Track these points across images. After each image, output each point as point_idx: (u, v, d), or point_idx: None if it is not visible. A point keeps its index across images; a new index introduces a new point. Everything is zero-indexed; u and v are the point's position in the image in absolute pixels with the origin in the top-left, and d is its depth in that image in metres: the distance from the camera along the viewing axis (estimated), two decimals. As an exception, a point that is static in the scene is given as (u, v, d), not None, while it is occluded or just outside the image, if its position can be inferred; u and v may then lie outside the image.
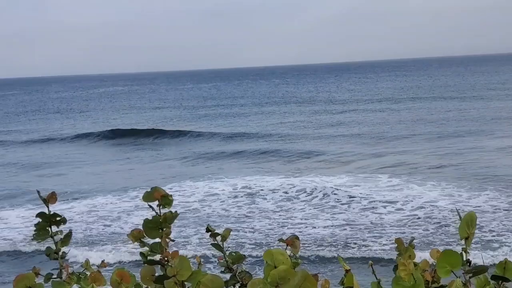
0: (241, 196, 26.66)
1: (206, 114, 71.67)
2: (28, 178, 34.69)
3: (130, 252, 18.92)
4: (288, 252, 2.32)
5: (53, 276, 2.47)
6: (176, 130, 53.18)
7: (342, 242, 19.69)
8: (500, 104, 62.28)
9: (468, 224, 2.11)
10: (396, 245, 2.43)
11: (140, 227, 2.41)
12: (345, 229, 21.10)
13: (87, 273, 2.46)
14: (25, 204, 26.85)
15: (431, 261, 2.33)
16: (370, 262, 2.36)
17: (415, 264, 2.38)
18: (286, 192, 26.75)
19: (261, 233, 21.16)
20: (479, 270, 2.17)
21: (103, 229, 22.74)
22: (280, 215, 23.41)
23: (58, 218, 2.52)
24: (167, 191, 2.39)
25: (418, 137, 42.78)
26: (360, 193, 26.00)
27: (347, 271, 2.39)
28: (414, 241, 2.51)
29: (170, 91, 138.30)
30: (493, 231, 19.78)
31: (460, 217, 2.12)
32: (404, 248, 2.43)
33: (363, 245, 19.21)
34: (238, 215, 23.80)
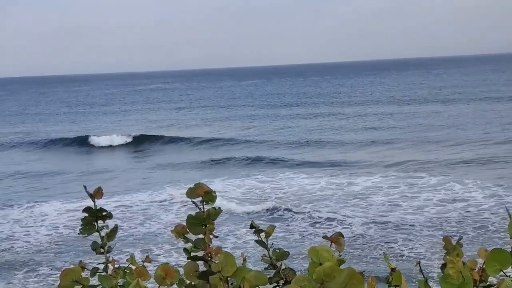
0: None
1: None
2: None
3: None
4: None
5: (99, 270, 2.49)
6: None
7: (383, 242, 19.54)
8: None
9: (518, 222, 2.06)
10: (444, 243, 2.39)
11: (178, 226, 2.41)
12: (387, 228, 20.94)
13: (132, 267, 2.48)
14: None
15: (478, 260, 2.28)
16: (417, 260, 2.33)
17: (463, 263, 2.34)
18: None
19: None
20: (529, 269, 2.12)
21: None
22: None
23: (104, 213, 2.54)
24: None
25: (461, 137, 42.22)
26: (402, 192, 25.81)
27: (393, 269, 2.35)
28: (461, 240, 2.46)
29: (209, 88, 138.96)
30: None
31: (510, 215, 2.08)
32: (452, 246, 2.39)
33: (402, 245, 19.04)
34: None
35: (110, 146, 47.58)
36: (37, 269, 18.63)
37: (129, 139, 48.71)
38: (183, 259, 2.37)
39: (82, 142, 49.12)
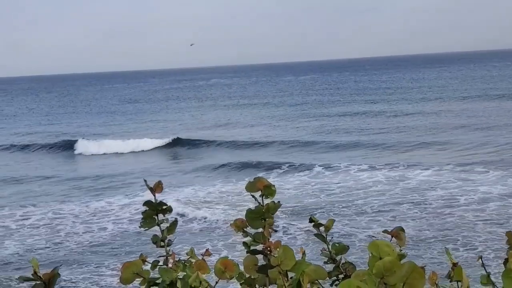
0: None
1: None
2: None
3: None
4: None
5: (160, 264, 2.52)
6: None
7: (441, 238, 19.25)
8: None
9: None
10: (507, 238, 2.34)
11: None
12: (447, 224, 20.62)
13: (192, 261, 2.50)
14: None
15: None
16: (479, 255, 2.29)
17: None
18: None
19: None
20: None
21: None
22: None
23: (164, 207, 2.57)
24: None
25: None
26: (460, 187, 25.40)
27: (454, 264, 2.32)
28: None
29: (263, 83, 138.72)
30: None
31: None
32: (516, 241, 2.34)
33: (463, 241, 18.72)
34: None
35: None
36: (101, 263, 19.00)
37: (164, 142, 46.56)
38: (240, 253, 2.38)
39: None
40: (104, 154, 44.31)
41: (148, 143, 46.27)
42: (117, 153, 44.39)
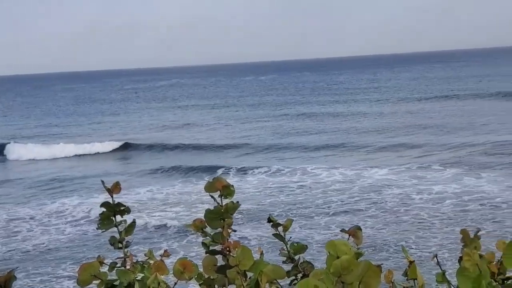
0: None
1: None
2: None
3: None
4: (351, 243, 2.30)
5: (117, 265, 2.51)
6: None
7: (398, 236, 19.48)
8: None
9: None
10: (462, 236, 2.38)
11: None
12: (402, 222, 20.87)
13: (150, 262, 2.49)
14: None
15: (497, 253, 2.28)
16: (434, 253, 2.32)
17: (480, 256, 2.33)
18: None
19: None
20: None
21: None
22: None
23: (122, 208, 2.55)
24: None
25: (476, 130, 41.97)
26: (415, 186, 25.74)
27: (410, 262, 2.35)
28: (479, 233, 2.45)
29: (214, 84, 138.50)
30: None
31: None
32: (470, 239, 2.38)
33: (419, 239, 18.97)
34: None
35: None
36: (58, 265, 18.78)
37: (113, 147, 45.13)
38: (195, 254, 2.38)
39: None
40: (54, 158, 42.96)
41: (100, 147, 45.18)
42: (68, 156, 43.52)
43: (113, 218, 2.56)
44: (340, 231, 2.46)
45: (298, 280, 2.42)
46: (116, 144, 45.53)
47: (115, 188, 2.52)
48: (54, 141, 49.72)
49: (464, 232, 2.38)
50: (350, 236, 2.40)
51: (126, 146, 45.13)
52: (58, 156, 43.44)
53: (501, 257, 2.15)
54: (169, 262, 2.36)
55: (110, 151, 44.21)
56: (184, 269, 2.25)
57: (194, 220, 2.43)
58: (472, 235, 2.40)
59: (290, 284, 2.45)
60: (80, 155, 43.60)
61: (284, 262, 2.46)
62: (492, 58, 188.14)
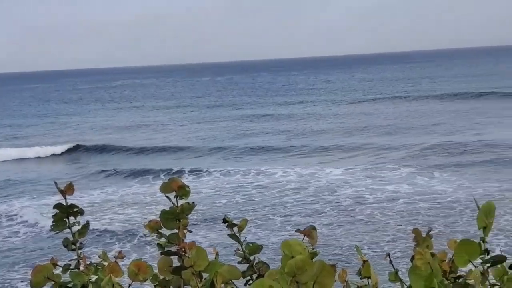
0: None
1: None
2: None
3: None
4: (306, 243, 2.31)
5: (71, 267, 2.48)
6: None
7: (354, 235, 19.67)
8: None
9: (486, 214, 2.09)
10: (414, 235, 2.42)
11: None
12: (356, 222, 21.07)
13: (104, 264, 2.47)
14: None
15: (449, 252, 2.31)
16: (387, 252, 2.35)
17: (433, 255, 2.37)
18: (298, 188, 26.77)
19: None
20: (497, 259, 2.15)
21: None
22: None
23: (75, 209, 2.53)
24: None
25: (428, 130, 42.61)
26: (369, 185, 26.01)
27: (364, 261, 2.38)
28: (431, 232, 2.49)
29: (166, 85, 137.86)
30: (511, 220, 19.70)
31: (478, 207, 2.10)
32: (422, 238, 2.41)
33: (374, 237, 19.18)
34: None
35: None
36: (12, 266, 18.49)
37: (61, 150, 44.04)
38: (149, 256, 2.37)
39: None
40: (3, 161, 41.64)
41: (52, 149, 43.99)
42: (19, 158, 42.51)
43: (67, 220, 2.53)
44: (295, 231, 2.48)
45: (254, 280, 2.43)
46: (68, 146, 44.76)
47: (68, 190, 2.49)
48: (4, 143, 48.83)
49: (416, 231, 2.42)
50: (305, 236, 2.42)
51: (78, 148, 44.36)
52: (7, 159, 42.44)
53: (453, 256, 2.18)
54: (123, 263, 2.35)
55: (62, 153, 43.45)
56: (138, 271, 2.24)
57: (150, 221, 2.42)
58: (424, 234, 2.44)
59: (245, 285, 2.45)
60: (31, 158, 42.72)
61: (239, 262, 2.47)
62: (449, 59, 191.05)
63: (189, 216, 2.39)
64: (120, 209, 24.76)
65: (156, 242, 2.40)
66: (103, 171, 33.87)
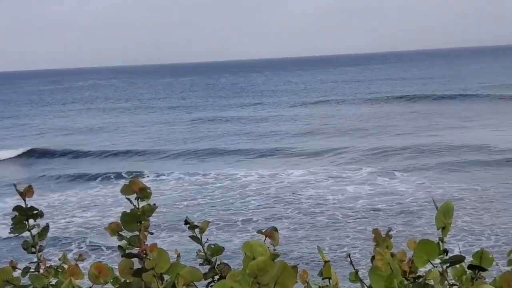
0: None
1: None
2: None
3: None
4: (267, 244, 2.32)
5: (31, 270, 2.45)
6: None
7: (315, 236, 19.77)
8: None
9: (445, 214, 2.11)
10: (374, 236, 2.44)
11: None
12: (318, 223, 21.19)
13: (64, 266, 2.44)
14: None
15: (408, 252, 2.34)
16: (348, 252, 2.37)
17: (392, 255, 2.40)
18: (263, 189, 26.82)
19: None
20: (456, 259, 2.18)
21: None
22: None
23: (35, 212, 2.50)
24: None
25: (390, 130, 43.05)
26: (330, 186, 26.18)
27: (326, 262, 2.39)
28: (391, 232, 2.52)
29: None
30: (469, 220, 20.00)
31: (437, 207, 2.13)
32: (382, 238, 2.44)
33: (334, 238, 19.31)
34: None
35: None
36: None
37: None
38: (106, 258, 2.36)
39: None
40: None
41: (7, 153, 42.89)
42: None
43: (26, 222, 2.50)
44: (257, 232, 2.48)
45: (215, 282, 2.43)
46: (25, 149, 43.87)
47: (27, 192, 2.46)
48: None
49: (376, 231, 2.44)
50: (267, 237, 2.43)
51: (35, 152, 43.38)
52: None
53: (412, 256, 2.21)
54: (83, 266, 2.33)
55: (19, 156, 42.57)
56: (99, 273, 2.22)
57: (110, 224, 2.40)
58: (384, 235, 2.46)
59: (207, 286, 2.45)
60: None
61: (201, 264, 2.46)
62: (409, 61, 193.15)
63: (151, 218, 2.38)
64: (80, 211, 24.53)
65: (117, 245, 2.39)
66: (63, 174, 33.41)
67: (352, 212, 22.06)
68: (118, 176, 31.46)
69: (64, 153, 41.97)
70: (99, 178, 31.34)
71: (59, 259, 2.53)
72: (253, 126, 50.70)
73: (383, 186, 25.70)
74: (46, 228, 2.55)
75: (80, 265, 2.37)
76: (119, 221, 2.38)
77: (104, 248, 19.07)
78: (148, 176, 30.94)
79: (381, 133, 41.56)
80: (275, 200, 24.41)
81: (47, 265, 2.45)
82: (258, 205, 23.82)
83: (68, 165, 37.60)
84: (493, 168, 27.76)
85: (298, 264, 2.17)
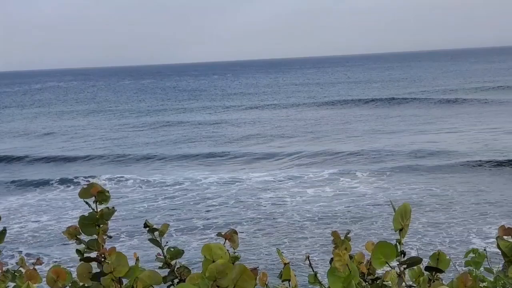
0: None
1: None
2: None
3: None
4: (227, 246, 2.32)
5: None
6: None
7: (275, 237, 19.82)
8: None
9: (402, 216, 2.14)
10: (333, 238, 2.46)
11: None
12: (277, 225, 21.25)
13: (22, 270, 2.42)
14: None
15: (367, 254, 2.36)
16: (307, 254, 2.39)
17: (351, 257, 2.42)
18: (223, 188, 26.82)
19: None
20: (413, 261, 2.21)
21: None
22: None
23: (-9, 216, 2.46)
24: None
25: (346, 132, 43.41)
26: (290, 189, 26.31)
27: (285, 264, 2.41)
28: (349, 234, 2.54)
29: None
30: (426, 222, 20.25)
31: (394, 209, 2.16)
32: (340, 240, 2.46)
33: (294, 240, 19.40)
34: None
35: None
36: None
37: None
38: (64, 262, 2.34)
39: None
40: None
41: None
42: None
43: (-18, 226, 2.47)
44: (217, 235, 2.49)
45: (175, 285, 2.42)
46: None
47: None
48: None
49: (335, 233, 2.47)
50: (227, 240, 2.43)
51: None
52: None
53: (370, 258, 2.23)
54: (41, 269, 2.30)
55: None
56: (57, 277, 2.20)
57: (68, 227, 2.38)
58: (342, 237, 2.49)
59: (166, 289, 2.45)
60: None
61: (160, 267, 2.46)
62: (366, 64, 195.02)
63: (110, 221, 2.36)
64: (35, 216, 24.23)
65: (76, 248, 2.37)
66: (17, 180, 32.69)
67: (311, 215, 22.17)
68: (77, 179, 31.08)
69: (21, 158, 41.17)
70: (57, 183, 30.88)
71: (17, 263, 2.50)
72: (213, 129, 50.61)
73: (343, 188, 25.88)
74: (3, 232, 2.52)
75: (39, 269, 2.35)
76: (77, 225, 2.37)
77: (68, 252, 18.79)
78: (107, 180, 30.64)
79: (341, 136, 41.83)
80: (235, 203, 24.41)
81: (4, 269, 2.42)
82: (218, 208, 23.80)
83: (25, 169, 37.03)
84: (451, 170, 28.14)
85: (258, 267, 2.18)
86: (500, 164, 28.85)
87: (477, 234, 18.97)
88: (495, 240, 2.28)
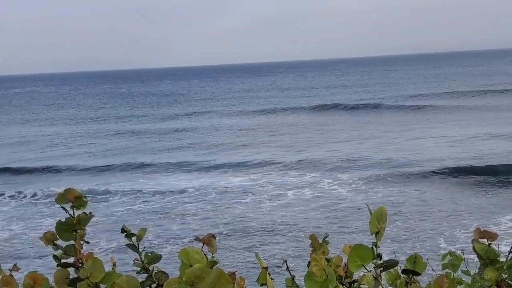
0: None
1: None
2: None
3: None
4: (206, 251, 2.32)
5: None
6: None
7: (253, 240, 19.84)
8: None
9: (378, 219, 2.15)
10: (311, 241, 2.47)
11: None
12: (252, 228, 21.28)
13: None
14: None
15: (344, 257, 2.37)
16: (284, 258, 2.39)
17: (328, 260, 2.43)
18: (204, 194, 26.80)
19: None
20: (390, 264, 2.23)
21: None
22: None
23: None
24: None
25: (329, 137, 43.54)
26: (269, 192, 26.37)
27: (263, 268, 2.41)
28: (327, 238, 2.55)
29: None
30: (404, 225, 20.37)
31: (370, 212, 2.17)
32: (318, 244, 2.47)
33: (271, 243, 19.43)
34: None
35: None
36: None
37: None
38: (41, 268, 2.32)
39: None
40: None
41: None
42: None
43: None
44: (195, 239, 2.48)
45: (153, 290, 2.42)
46: None
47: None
48: None
49: (313, 237, 2.47)
50: (205, 244, 2.43)
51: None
52: None
53: (347, 261, 2.24)
54: (18, 276, 2.29)
55: None
56: (34, 283, 2.19)
57: (45, 233, 2.37)
58: (320, 240, 2.50)
59: (144, 295, 2.44)
60: None
61: (138, 272, 2.45)
62: (344, 68, 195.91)
63: (87, 226, 2.35)
64: (10, 223, 24.06)
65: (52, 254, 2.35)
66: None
67: (291, 218, 22.22)
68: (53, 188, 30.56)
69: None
70: (33, 191, 30.24)
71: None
72: (191, 136, 50.44)
73: (322, 191, 25.96)
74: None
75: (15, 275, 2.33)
76: (54, 231, 2.35)
77: (45, 259, 18.65)
78: (85, 187, 30.33)
79: (320, 141, 41.92)
80: (212, 207, 24.41)
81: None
82: (196, 212, 23.77)
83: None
84: (428, 177, 28.28)
85: (236, 271, 2.18)
86: (470, 171, 28.57)
87: (447, 238, 19.11)
88: (465, 243, 2.31)
